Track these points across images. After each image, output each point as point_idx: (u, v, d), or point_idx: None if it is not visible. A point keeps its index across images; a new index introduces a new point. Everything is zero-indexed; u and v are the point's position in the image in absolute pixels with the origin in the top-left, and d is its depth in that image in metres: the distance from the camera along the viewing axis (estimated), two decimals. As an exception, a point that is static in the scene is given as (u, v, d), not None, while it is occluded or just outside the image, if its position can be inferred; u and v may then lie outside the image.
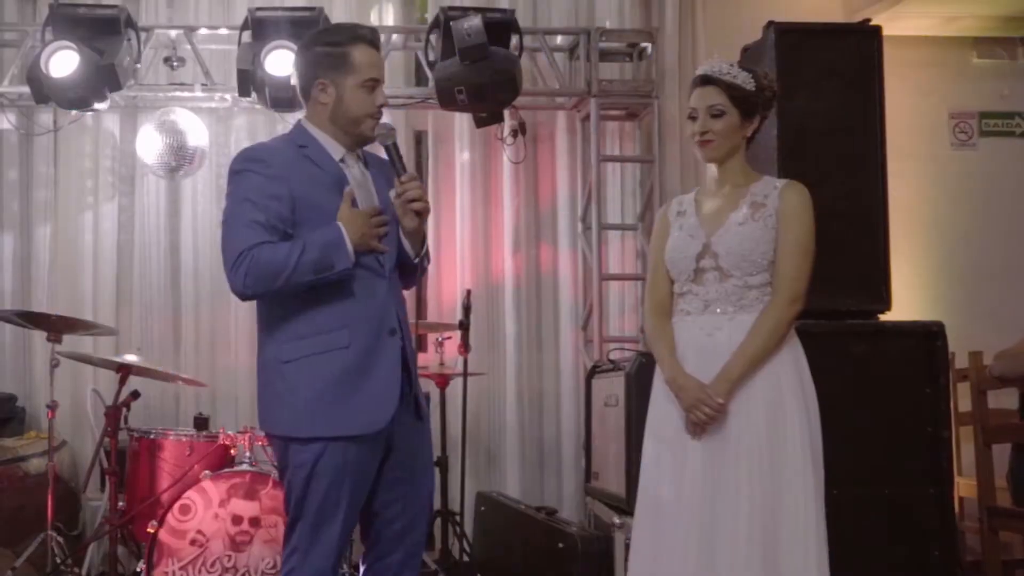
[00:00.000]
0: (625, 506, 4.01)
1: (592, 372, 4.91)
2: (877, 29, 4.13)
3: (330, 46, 2.76)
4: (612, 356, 4.81)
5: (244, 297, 2.70)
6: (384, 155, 2.84)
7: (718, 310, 2.82)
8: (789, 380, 2.77)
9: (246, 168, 2.72)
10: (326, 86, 2.76)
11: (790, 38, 4.06)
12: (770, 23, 4.09)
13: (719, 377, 2.75)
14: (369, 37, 2.79)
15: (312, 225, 2.67)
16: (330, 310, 2.67)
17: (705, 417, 2.72)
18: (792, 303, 2.79)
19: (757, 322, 2.77)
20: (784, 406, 2.74)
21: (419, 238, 2.83)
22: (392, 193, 2.79)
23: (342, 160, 2.80)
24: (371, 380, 2.67)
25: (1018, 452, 4.27)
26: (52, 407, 4.50)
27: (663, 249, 2.95)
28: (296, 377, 2.66)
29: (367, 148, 2.92)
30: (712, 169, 2.94)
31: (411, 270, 2.90)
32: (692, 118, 2.88)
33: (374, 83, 2.77)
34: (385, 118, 5.18)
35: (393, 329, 2.73)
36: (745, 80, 2.84)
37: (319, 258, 2.62)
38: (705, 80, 2.85)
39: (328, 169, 2.76)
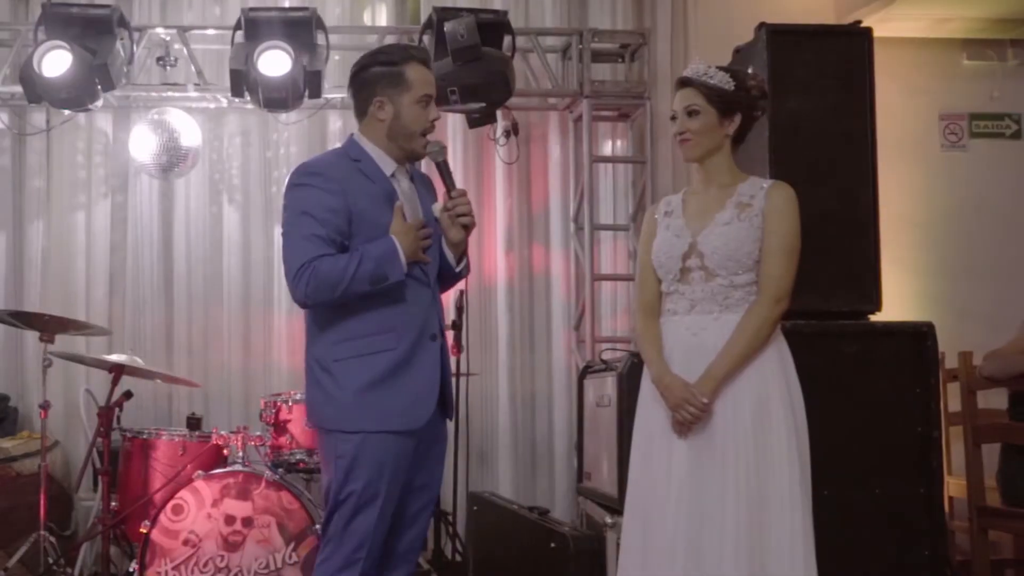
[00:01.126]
0: (617, 506, 4.03)
1: (584, 372, 4.92)
2: (868, 31, 4.14)
3: (386, 65, 2.90)
4: (604, 356, 4.83)
5: (305, 306, 2.87)
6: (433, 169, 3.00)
7: (704, 310, 2.84)
8: (775, 379, 2.79)
9: (305, 182, 2.85)
10: (384, 103, 2.89)
11: (781, 39, 4.07)
12: (761, 24, 4.10)
13: (704, 376, 2.77)
14: (421, 56, 2.95)
15: (365, 237, 2.81)
16: (379, 315, 2.82)
17: (690, 417, 2.75)
18: (777, 302, 2.81)
19: (742, 322, 2.79)
20: (770, 404, 2.76)
21: (461, 249, 2.98)
22: (437, 207, 2.93)
23: (392, 175, 2.92)
24: (413, 381, 2.83)
25: (1007, 452, 4.29)
26: (45, 407, 4.50)
27: (651, 249, 2.98)
28: (344, 374, 2.81)
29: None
30: (698, 169, 2.97)
31: (450, 278, 3.05)
32: (673, 119, 2.94)
33: (428, 99, 2.91)
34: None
35: (434, 335, 2.90)
36: (722, 80, 2.87)
37: (374, 269, 2.76)
38: (684, 82, 2.92)
39: (379, 183, 2.89)
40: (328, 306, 2.83)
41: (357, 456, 2.78)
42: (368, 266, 2.75)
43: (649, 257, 2.98)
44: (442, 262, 2.98)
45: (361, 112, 2.94)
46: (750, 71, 3.24)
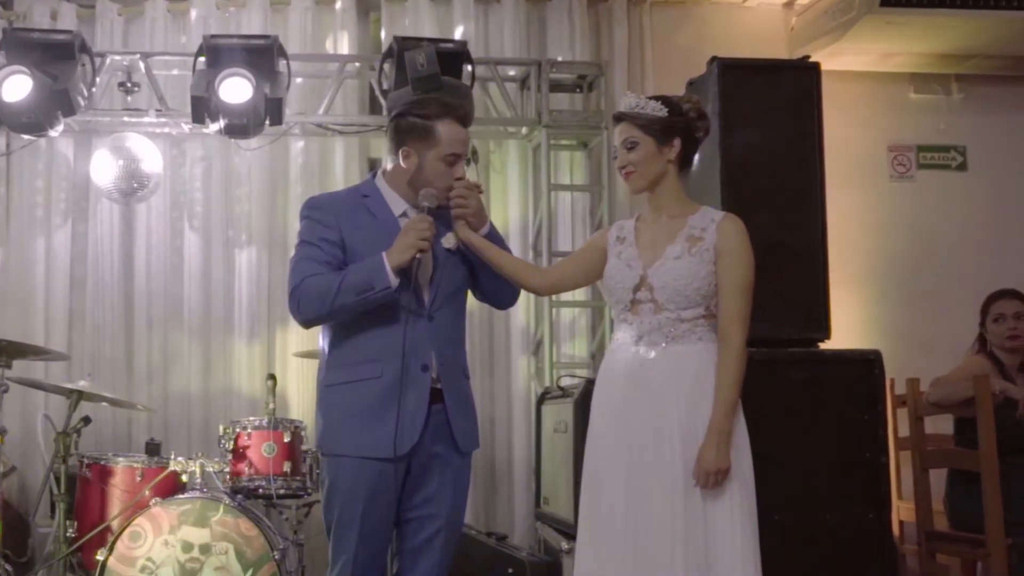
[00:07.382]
0: (574, 531, 4.06)
1: (542, 398, 4.98)
2: (815, 65, 4.24)
3: (420, 118, 2.96)
4: (562, 383, 4.88)
5: (303, 324, 2.98)
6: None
7: (651, 341, 2.88)
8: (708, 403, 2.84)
9: (306, 215, 3.01)
10: (409, 153, 2.96)
11: (732, 73, 4.15)
12: (713, 58, 4.19)
13: (711, 438, 2.77)
14: (459, 113, 2.99)
15: None
16: (368, 344, 2.90)
17: (716, 482, 2.76)
18: (743, 343, 2.86)
19: (719, 376, 2.82)
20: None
21: (479, 228, 3.01)
22: (448, 239, 2.97)
23: (403, 214, 2.99)
24: (396, 410, 2.85)
25: (953, 477, 4.39)
26: (1, 433, 4.47)
27: (590, 250, 3.09)
28: (333, 400, 2.94)
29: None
30: (648, 198, 3.02)
31: (492, 276, 3.05)
32: (615, 156, 3.00)
33: (455, 158, 2.96)
34: (338, 145, 5.24)
35: (425, 365, 2.90)
36: (654, 108, 2.92)
37: (359, 280, 2.84)
38: (619, 117, 2.97)
39: (383, 219, 2.97)
40: (325, 323, 2.95)
41: (335, 479, 2.90)
42: (353, 277, 2.84)
43: (586, 253, 3.11)
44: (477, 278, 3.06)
45: (392, 154, 3.01)
46: (685, 95, 3.30)
